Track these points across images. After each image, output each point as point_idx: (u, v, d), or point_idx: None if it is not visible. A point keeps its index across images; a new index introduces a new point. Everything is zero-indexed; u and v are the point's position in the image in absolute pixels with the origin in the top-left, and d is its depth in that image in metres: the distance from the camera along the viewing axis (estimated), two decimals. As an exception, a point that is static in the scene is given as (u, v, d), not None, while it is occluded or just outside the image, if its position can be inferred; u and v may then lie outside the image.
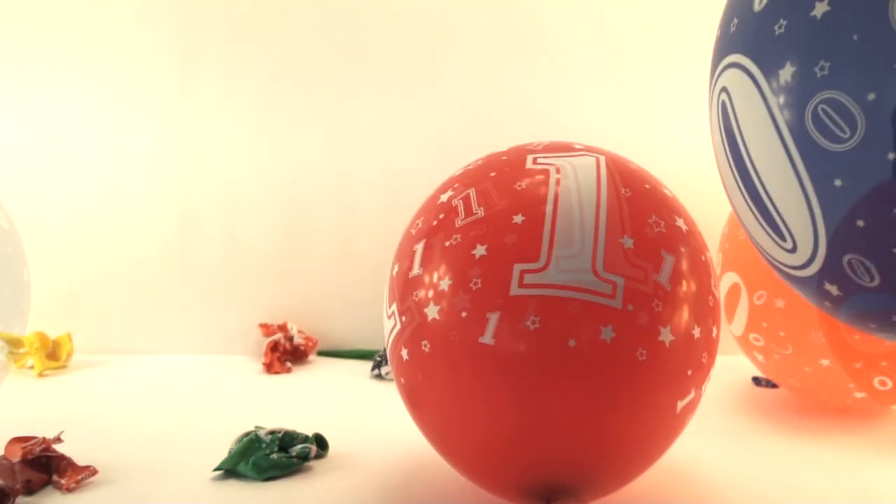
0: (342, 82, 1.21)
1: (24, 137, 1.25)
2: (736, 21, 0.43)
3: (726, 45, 0.45)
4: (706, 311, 0.52)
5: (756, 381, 0.98)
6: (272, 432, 0.69)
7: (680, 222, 0.53)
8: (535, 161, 0.54)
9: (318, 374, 1.08)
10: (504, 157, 0.56)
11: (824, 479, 0.65)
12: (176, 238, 1.23)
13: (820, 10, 0.35)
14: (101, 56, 1.22)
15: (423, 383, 0.52)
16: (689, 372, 0.50)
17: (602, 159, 0.55)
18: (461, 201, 0.52)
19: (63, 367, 1.13)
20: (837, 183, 0.37)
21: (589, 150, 0.57)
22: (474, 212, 0.51)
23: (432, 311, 0.50)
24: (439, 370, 0.50)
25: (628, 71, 1.20)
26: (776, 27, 0.39)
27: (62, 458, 0.66)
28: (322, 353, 1.19)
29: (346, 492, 0.62)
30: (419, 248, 0.53)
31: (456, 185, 0.55)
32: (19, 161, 1.25)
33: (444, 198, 0.55)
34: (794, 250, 0.44)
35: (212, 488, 0.64)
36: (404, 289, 0.53)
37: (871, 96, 0.34)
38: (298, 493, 0.62)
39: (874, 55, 0.34)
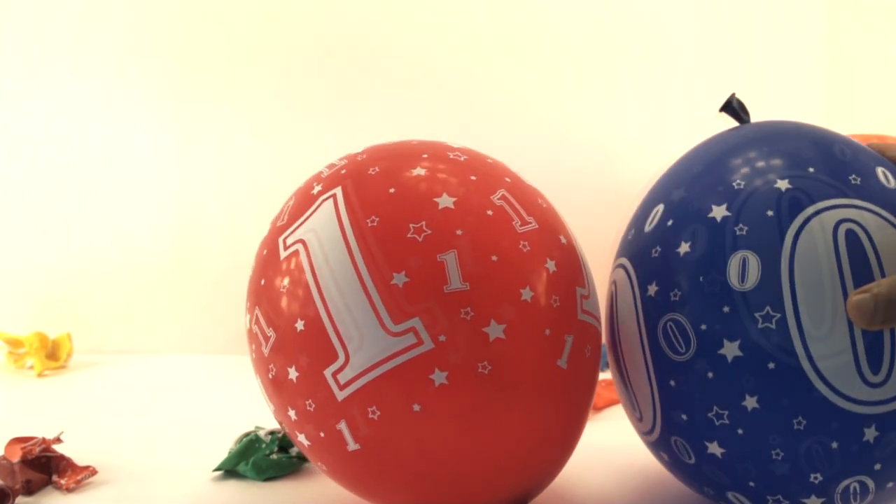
0: (342, 84, 1.21)
1: (25, 137, 1.25)
2: (633, 231, 0.53)
3: (622, 247, 0.55)
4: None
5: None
6: (272, 432, 0.69)
7: (442, 200, 0.48)
8: (285, 245, 0.50)
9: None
10: (265, 253, 0.52)
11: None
12: (176, 238, 1.23)
13: (683, 249, 0.48)
14: (100, 56, 1.22)
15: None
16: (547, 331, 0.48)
17: (339, 195, 0.49)
18: (258, 328, 0.51)
19: (63, 367, 1.13)
20: (672, 383, 0.48)
21: (329, 183, 0.51)
22: (267, 336, 0.49)
23: None
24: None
25: (630, 71, 1.19)
26: (653, 251, 0.50)
27: (62, 458, 0.65)
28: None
29: (346, 492, 0.62)
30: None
31: (248, 305, 0.53)
32: (18, 161, 1.25)
33: (247, 324, 0.53)
34: (641, 419, 0.55)
35: (212, 488, 0.63)
36: None
37: (703, 327, 0.46)
38: (298, 493, 0.62)
39: (710, 296, 0.46)
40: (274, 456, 0.66)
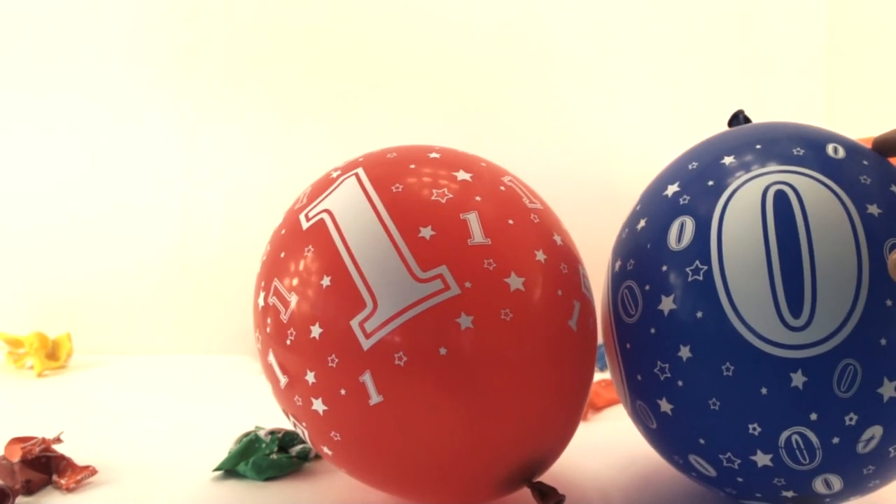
0: (344, 91, 1.21)
1: (25, 138, 1.25)
2: (627, 230, 0.57)
3: (615, 245, 0.59)
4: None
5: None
6: (272, 432, 0.69)
7: (460, 175, 0.52)
8: (307, 218, 0.52)
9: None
10: (283, 232, 0.54)
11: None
12: (176, 238, 1.24)
13: (640, 225, 0.53)
14: (101, 58, 1.23)
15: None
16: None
17: (361, 172, 0.53)
18: (276, 299, 0.52)
19: (63, 367, 1.13)
20: (627, 346, 0.53)
21: (348, 167, 0.55)
22: (288, 301, 0.50)
23: None
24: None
25: (630, 71, 1.20)
26: (623, 233, 0.56)
27: (62, 458, 0.66)
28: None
29: (346, 492, 0.62)
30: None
31: (262, 284, 0.54)
32: (19, 161, 1.26)
33: (260, 302, 0.54)
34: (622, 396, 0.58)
35: (212, 488, 0.64)
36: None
37: (647, 287, 0.50)
38: (298, 493, 0.62)
39: (653, 258, 0.50)
40: (274, 456, 0.66)
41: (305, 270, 0.50)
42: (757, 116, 0.56)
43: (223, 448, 0.69)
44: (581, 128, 1.19)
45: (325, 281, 0.49)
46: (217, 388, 1.01)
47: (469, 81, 1.20)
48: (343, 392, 0.48)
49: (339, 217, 0.50)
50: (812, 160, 0.47)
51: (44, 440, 0.66)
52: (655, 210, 0.52)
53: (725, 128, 0.56)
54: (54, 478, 0.64)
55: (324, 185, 0.54)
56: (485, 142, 1.16)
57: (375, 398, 0.47)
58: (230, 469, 0.66)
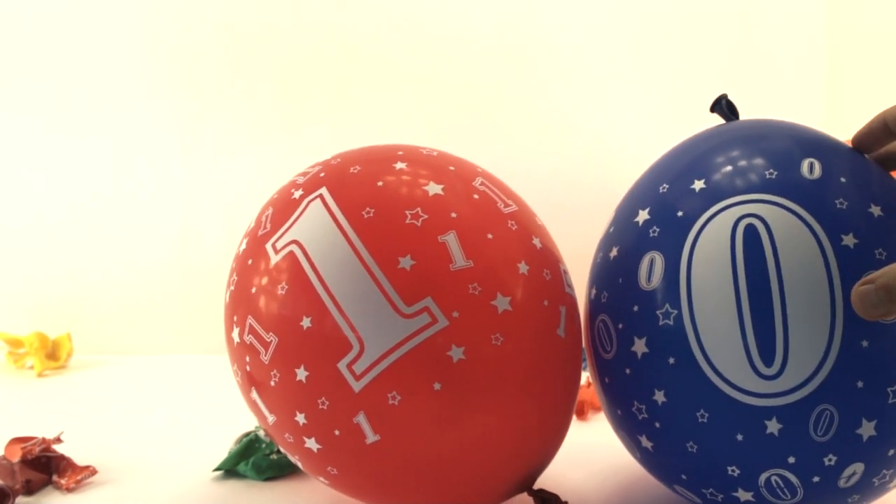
0: (342, 89, 1.21)
1: (25, 140, 1.25)
2: (601, 255, 0.55)
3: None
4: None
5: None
6: (272, 432, 0.69)
7: (431, 188, 0.49)
8: (275, 249, 0.49)
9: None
10: (249, 262, 0.51)
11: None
12: (176, 237, 1.23)
13: (612, 254, 0.51)
14: (101, 59, 1.23)
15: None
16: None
17: (325, 194, 0.49)
18: (253, 338, 0.49)
19: (63, 367, 1.13)
20: (606, 380, 0.52)
21: (310, 186, 0.51)
22: (267, 342, 0.48)
23: None
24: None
25: (629, 72, 1.19)
26: (597, 258, 0.54)
27: (62, 458, 0.66)
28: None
29: (346, 492, 0.62)
30: None
31: (235, 318, 0.51)
32: (19, 161, 1.25)
33: (235, 337, 0.51)
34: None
35: (212, 488, 0.64)
36: None
37: (620, 325, 0.49)
38: (298, 494, 0.62)
39: (624, 296, 0.48)
40: (274, 456, 0.66)
41: (283, 310, 0.47)
42: (755, 116, 0.56)
43: (223, 448, 0.69)
44: (578, 128, 1.19)
45: (306, 322, 0.46)
46: (217, 388, 1.01)
47: (466, 83, 1.20)
48: (337, 433, 0.47)
49: (310, 250, 0.47)
50: (785, 185, 0.45)
51: (44, 440, 0.66)
52: (627, 239, 0.50)
53: (702, 131, 0.55)
54: (54, 478, 0.64)
55: (287, 209, 0.50)
56: (482, 143, 1.16)
57: (372, 437, 0.46)
58: (230, 469, 0.66)
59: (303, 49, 1.21)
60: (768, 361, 0.42)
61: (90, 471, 0.65)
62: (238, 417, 0.80)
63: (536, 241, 0.51)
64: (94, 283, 1.24)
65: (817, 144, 0.48)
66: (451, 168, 0.53)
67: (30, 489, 0.63)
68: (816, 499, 0.45)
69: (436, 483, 0.49)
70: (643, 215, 0.49)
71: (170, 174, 1.24)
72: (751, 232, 0.44)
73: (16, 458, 0.63)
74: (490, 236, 0.48)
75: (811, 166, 0.46)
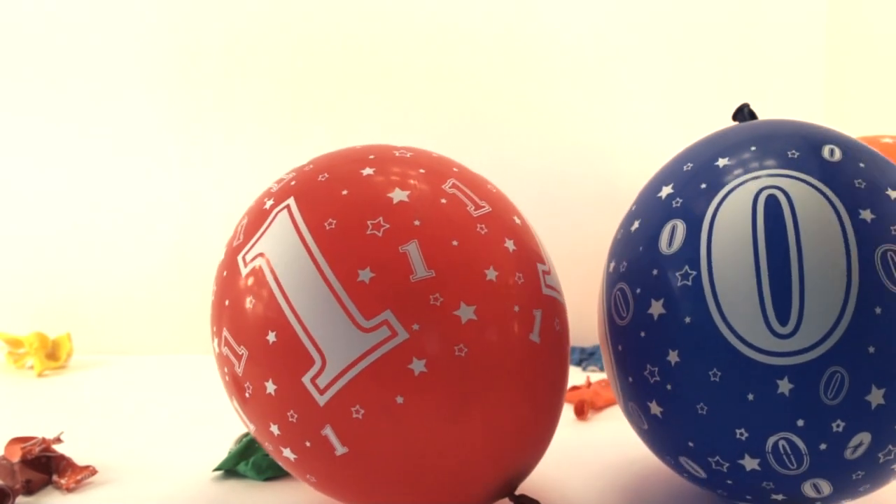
0: (342, 90, 1.21)
1: (25, 141, 1.25)
2: (622, 231, 0.57)
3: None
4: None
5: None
6: (272, 432, 0.69)
7: (396, 195, 0.49)
8: (245, 262, 0.50)
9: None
10: (224, 274, 0.52)
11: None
12: (176, 238, 1.23)
13: (634, 227, 0.53)
14: (102, 62, 1.23)
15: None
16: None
17: (292, 205, 0.49)
18: (228, 350, 0.50)
19: (63, 367, 1.13)
20: (619, 347, 0.53)
21: (280, 195, 0.51)
22: (239, 354, 0.49)
23: None
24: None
25: (629, 73, 1.19)
26: (617, 234, 0.56)
27: (62, 458, 0.66)
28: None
29: (345, 492, 0.62)
30: None
31: (214, 329, 0.53)
32: (19, 163, 1.25)
33: (215, 348, 0.53)
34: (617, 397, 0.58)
35: (212, 488, 0.64)
36: None
37: (638, 290, 0.50)
38: (298, 493, 0.62)
39: (645, 262, 0.50)
40: (274, 456, 0.66)
41: (250, 324, 0.48)
42: (757, 115, 0.56)
43: (223, 448, 0.69)
44: (581, 127, 1.19)
45: (271, 336, 0.47)
46: (217, 388, 1.01)
47: (467, 83, 1.20)
48: (308, 444, 0.47)
49: (274, 264, 0.48)
50: (806, 163, 0.47)
51: (44, 440, 0.66)
52: (649, 212, 0.52)
53: (726, 127, 0.56)
54: (54, 478, 0.64)
55: (258, 220, 0.51)
56: (482, 143, 1.16)
57: (340, 449, 0.47)
58: (230, 469, 0.66)
59: (303, 49, 1.21)
60: (783, 320, 0.43)
61: (90, 471, 0.65)
62: (238, 418, 0.80)
63: (509, 244, 0.50)
64: (93, 283, 1.24)
65: (838, 136, 0.50)
66: (422, 171, 0.52)
67: (30, 489, 0.63)
68: (822, 469, 0.45)
69: (411, 491, 0.49)
70: (666, 190, 0.51)
71: (170, 175, 1.24)
72: (772, 201, 0.46)
73: (16, 458, 0.63)
74: (455, 243, 0.47)
75: (832, 151, 0.48)
